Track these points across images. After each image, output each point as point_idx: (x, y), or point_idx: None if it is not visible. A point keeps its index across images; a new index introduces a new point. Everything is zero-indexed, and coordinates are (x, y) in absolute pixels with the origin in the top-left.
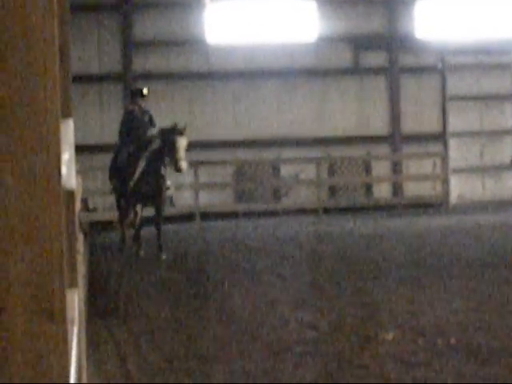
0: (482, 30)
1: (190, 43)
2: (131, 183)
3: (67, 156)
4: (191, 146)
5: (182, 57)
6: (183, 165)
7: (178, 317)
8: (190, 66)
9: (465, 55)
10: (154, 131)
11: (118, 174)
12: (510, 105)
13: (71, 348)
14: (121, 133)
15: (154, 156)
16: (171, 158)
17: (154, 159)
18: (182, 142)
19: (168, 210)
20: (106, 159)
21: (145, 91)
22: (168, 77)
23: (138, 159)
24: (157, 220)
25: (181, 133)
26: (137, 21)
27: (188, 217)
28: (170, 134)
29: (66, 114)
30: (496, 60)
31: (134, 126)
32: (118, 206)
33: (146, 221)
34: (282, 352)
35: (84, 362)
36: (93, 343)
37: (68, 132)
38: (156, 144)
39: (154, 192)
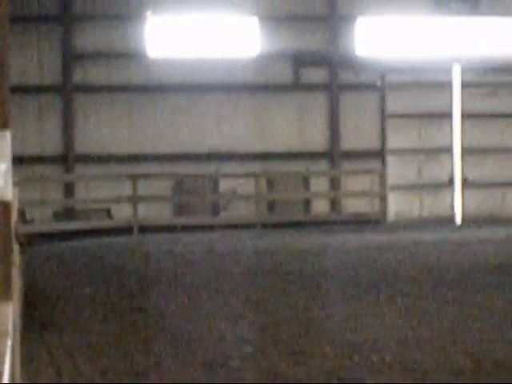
0: (420, 48)
1: (131, 56)
2: None
3: (4, 167)
4: (129, 159)
5: (122, 69)
6: None
7: (113, 330)
8: (130, 78)
9: (404, 73)
10: None
11: None
12: (448, 123)
13: (4, 361)
14: None
15: None
16: None
17: None
18: None
19: (106, 223)
20: (43, 170)
21: None
22: (108, 89)
23: None
24: None
25: None
26: (77, 33)
27: (126, 230)
28: None
29: (4, 125)
30: (434, 79)
31: None
32: None
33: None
34: (217, 367)
35: (18, 375)
36: (27, 356)
37: (5, 143)
38: None
39: None
